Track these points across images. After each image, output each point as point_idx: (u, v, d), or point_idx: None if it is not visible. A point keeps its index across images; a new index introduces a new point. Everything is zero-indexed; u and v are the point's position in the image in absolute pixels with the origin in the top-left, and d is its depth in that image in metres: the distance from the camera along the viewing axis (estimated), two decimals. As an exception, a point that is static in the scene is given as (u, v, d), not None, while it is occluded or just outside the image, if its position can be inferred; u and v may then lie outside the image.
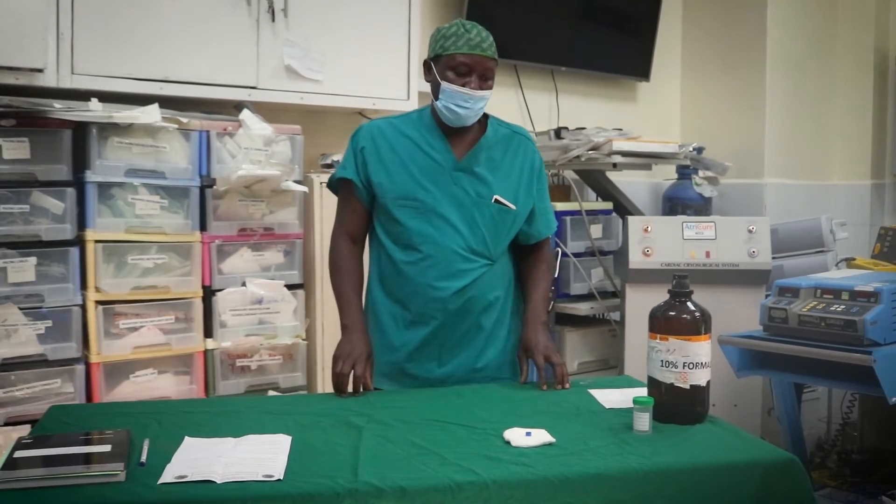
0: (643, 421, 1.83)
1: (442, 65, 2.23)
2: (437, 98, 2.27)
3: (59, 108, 2.67)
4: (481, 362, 2.33)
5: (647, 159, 4.02)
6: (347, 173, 2.33)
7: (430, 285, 2.27)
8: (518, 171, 2.37)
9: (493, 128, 2.37)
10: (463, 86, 2.20)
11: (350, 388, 2.21)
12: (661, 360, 1.88)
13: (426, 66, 2.30)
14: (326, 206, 3.21)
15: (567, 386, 2.23)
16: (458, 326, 2.29)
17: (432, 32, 2.31)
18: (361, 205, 2.36)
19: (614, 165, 3.88)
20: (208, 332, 2.97)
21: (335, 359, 2.23)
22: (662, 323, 1.89)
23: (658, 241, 3.67)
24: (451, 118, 2.26)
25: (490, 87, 2.25)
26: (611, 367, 3.99)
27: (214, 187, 2.95)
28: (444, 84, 2.22)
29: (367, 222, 2.39)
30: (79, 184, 2.74)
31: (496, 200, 2.29)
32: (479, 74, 2.22)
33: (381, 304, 2.35)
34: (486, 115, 2.37)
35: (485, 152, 2.32)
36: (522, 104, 4.30)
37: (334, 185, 2.41)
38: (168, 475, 1.51)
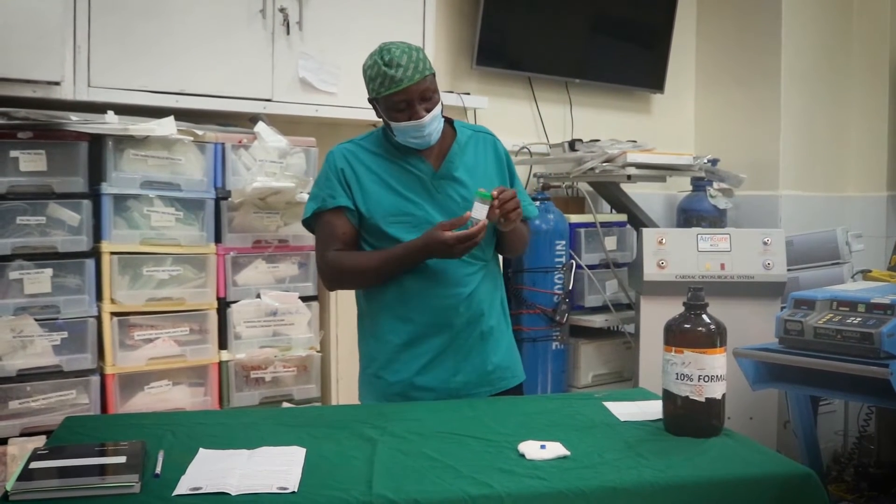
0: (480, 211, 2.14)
1: (382, 106, 2.25)
2: (392, 132, 2.29)
3: (76, 121, 2.68)
4: (491, 364, 2.35)
5: (661, 171, 4.01)
6: (339, 201, 2.29)
7: (440, 295, 2.28)
8: (492, 168, 2.40)
9: (461, 131, 2.40)
10: (409, 118, 2.21)
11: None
12: (677, 373, 1.87)
13: (371, 103, 2.30)
14: (341, 218, 3.21)
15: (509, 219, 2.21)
16: (471, 331, 2.31)
17: (363, 67, 2.26)
18: (352, 227, 2.31)
19: (629, 177, 3.87)
20: (223, 344, 2.97)
21: (447, 245, 2.16)
22: (677, 335, 1.89)
23: (673, 253, 3.66)
24: (416, 146, 2.29)
25: (436, 101, 2.25)
26: (625, 379, 3.98)
27: (229, 199, 2.96)
28: (393, 124, 2.25)
29: (356, 245, 2.34)
30: (95, 196, 2.75)
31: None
32: (419, 99, 2.20)
33: (385, 325, 2.32)
34: (450, 120, 2.39)
35: (459, 157, 2.35)
36: (537, 116, 4.31)
37: (310, 222, 2.36)
38: (183, 487, 1.51)
